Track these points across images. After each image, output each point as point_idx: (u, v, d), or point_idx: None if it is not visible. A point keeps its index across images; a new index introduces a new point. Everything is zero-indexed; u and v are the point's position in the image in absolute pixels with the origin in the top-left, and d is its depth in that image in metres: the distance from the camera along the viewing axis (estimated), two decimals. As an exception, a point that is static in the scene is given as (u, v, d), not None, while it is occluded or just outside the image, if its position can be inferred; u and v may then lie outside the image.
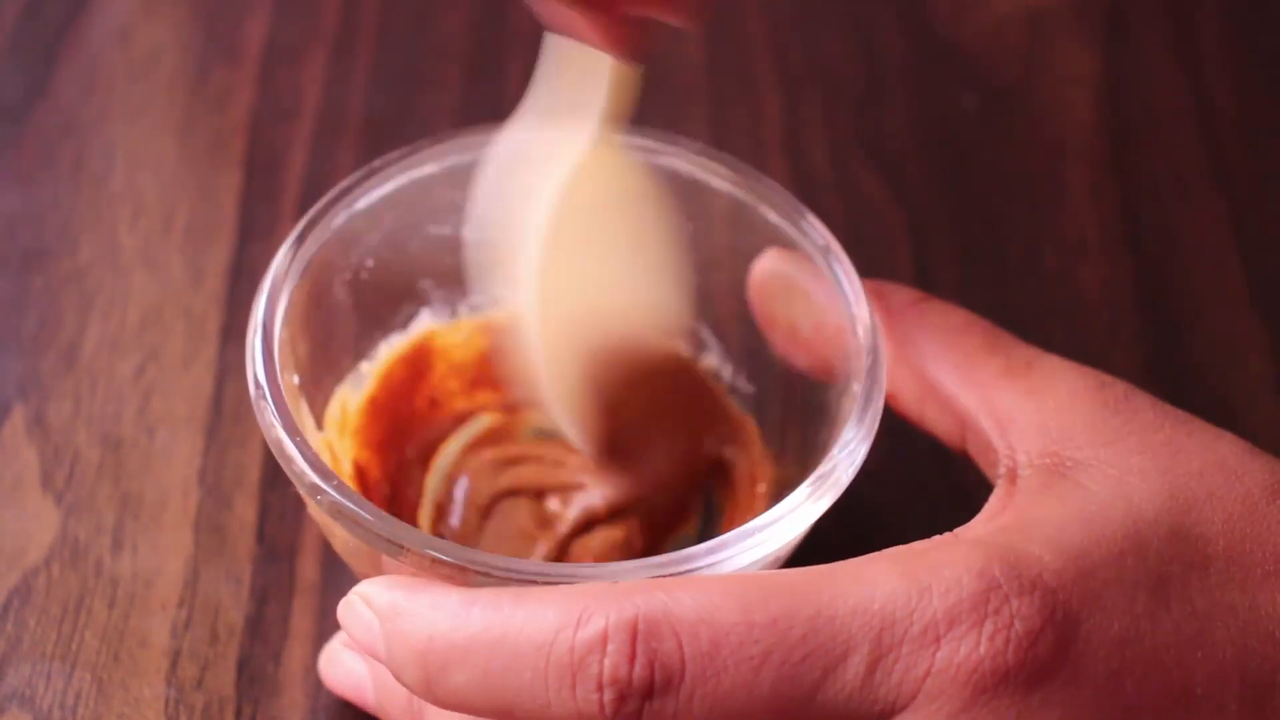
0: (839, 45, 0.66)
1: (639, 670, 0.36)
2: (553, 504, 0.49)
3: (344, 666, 0.46)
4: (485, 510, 0.49)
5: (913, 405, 0.45)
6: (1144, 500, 0.39)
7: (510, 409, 0.51)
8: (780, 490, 0.47)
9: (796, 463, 0.47)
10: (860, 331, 0.44)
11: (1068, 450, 0.41)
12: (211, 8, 0.66)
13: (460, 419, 0.51)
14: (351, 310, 0.48)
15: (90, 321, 0.56)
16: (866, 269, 0.46)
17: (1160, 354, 0.57)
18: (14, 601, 0.49)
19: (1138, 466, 0.40)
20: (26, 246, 0.58)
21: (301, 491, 0.41)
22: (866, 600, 0.37)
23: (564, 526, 0.48)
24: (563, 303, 0.45)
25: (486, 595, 0.37)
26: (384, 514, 0.40)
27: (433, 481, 0.50)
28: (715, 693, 0.36)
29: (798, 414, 0.48)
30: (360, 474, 0.48)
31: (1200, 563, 0.38)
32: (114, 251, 0.58)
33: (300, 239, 0.45)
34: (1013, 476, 0.41)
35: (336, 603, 0.40)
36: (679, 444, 0.49)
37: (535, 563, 0.39)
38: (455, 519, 0.49)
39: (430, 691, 0.37)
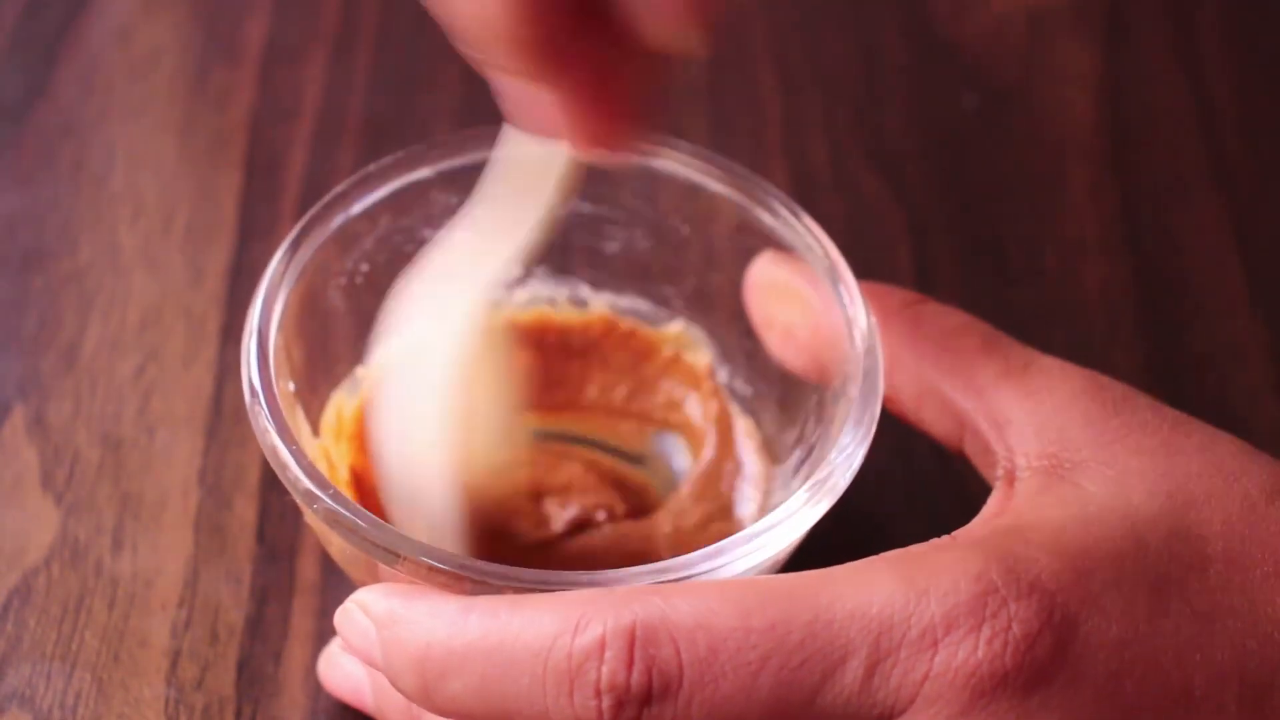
0: (839, 45, 0.66)
1: (637, 676, 0.36)
2: (550, 506, 0.49)
3: (343, 670, 0.46)
4: (484, 513, 0.49)
5: (910, 407, 0.45)
6: (1142, 501, 0.39)
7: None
8: (777, 493, 0.47)
9: (793, 466, 0.47)
10: (857, 334, 0.44)
11: (1066, 452, 0.41)
12: (211, 8, 0.66)
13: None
14: (347, 315, 0.48)
15: (90, 321, 0.56)
16: (866, 269, 0.46)
17: (1160, 354, 0.57)
18: (14, 601, 0.49)
19: (1136, 468, 0.40)
20: (26, 246, 0.58)
21: (297, 499, 0.41)
22: (864, 604, 0.37)
23: (558, 528, 0.48)
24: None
25: (483, 602, 0.37)
26: (380, 521, 0.40)
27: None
28: (713, 698, 0.36)
29: (795, 417, 0.48)
30: (357, 480, 0.48)
31: (1199, 564, 0.38)
32: (114, 251, 0.58)
33: (295, 244, 0.45)
34: (1011, 478, 0.41)
35: (336, 603, 0.40)
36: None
37: (532, 570, 0.39)
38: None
39: (428, 699, 0.38)
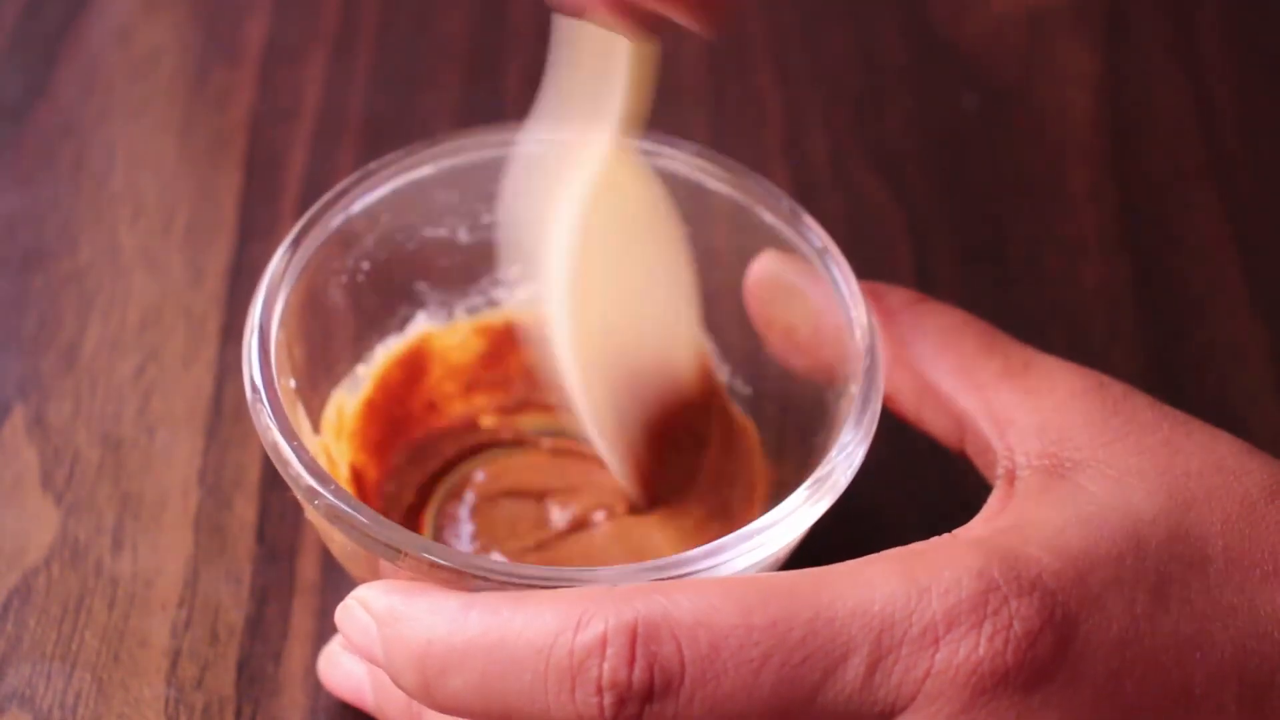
0: (839, 45, 0.66)
1: (638, 673, 0.36)
2: (554, 506, 0.49)
3: (343, 669, 0.46)
4: (486, 512, 0.49)
5: (911, 407, 0.45)
6: (1143, 501, 0.39)
7: (508, 411, 0.51)
8: (778, 492, 0.47)
9: (794, 465, 0.47)
10: (858, 333, 0.44)
11: (1066, 451, 0.41)
12: (211, 8, 0.66)
13: (457, 422, 0.51)
14: (348, 313, 0.48)
15: (90, 321, 0.56)
16: (866, 269, 0.46)
17: (1160, 354, 0.57)
18: (14, 601, 0.49)
19: (1136, 467, 0.40)
20: (26, 246, 0.58)
21: (298, 495, 0.41)
22: (866, 602, 0.37)
23: (560, 527, 0.48)
24: (594, 323, 0.45)
25: (484, 599, 0.37)
26: (381, 518, 0.40)
27: (442, 488, 0.50)
28: (715, 695, 0.36)
29: (795, 416, 0.48)
30: (357, 477, 0.48)
31: (1199, 563, 0.38)
32: (114, 251, 0.58)
33: (296, 242, 0.45)
34: (1011, 477, 0.41)
35: (337, 603, 0.40)
36: (689, 455, 0.49)
37: (533, 567, 0.39)
38: (456, 521, 0.49)
39: (429, 696, 0.38)
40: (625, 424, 0.46)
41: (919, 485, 0.52)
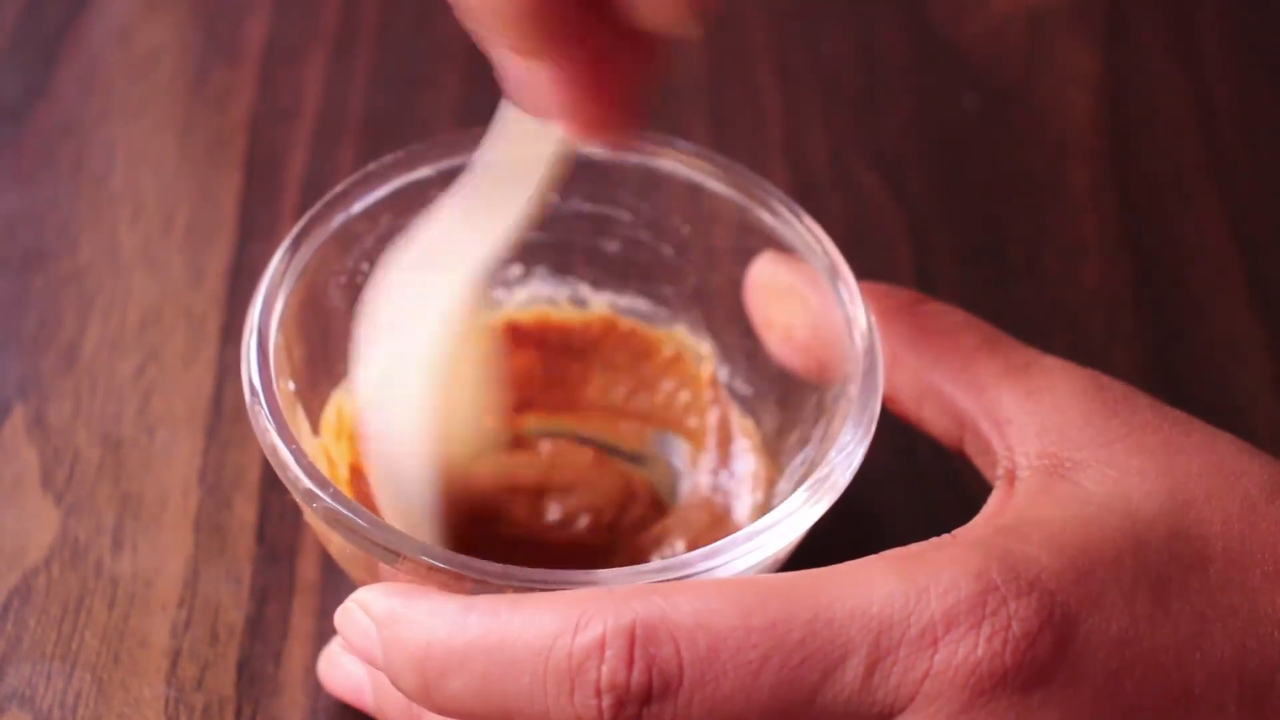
0: (839, 45, 0.66)
1: (637, 675, 0.36)
2: (551, 504, 0.49)
3: (343, 670, 0.46)
4: (484, 510, 0.49)
5: (911, 407, 0.45)
6: (1142, 501, 0.39)
7: (508, 411, 0.51)
8: (778, 492, 0.47)
9: (794, 465, 0.47)
10: (857, 334, 0.44)
11: (1066, 451, 0.41)
12: (211, 8, 0.66)
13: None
14: (348, 314, 0.48)
15: (90, 321, 0.56)
16: (866, 269, 0.46)
17: (1160, 354, 0.57)
18: (14, 601, 0.49)
19: (1136, 467, 0.40)
20: (26, 246, 0.58)
21: (297, 498, 0.41)
22: (864, 602, 0.37)
23: (558, 527, 0.48)
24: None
25: (484, 601, 0.37)
26: (380, 520, 0.40)
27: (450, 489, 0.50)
28: (714, 697, 0.36)
29: (795, 416, 0.48)
30: (356, 479, 0.48)
31: (1199, 563, 0.38)
32: (114, 251, 0.58)
33: (296, 243, 0.45)
34: (1011, 478, 0.41)
35: (336, 603, 0.40)
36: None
37: (532, 569, 0.39)
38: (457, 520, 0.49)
39: (428, 698, 0.38)
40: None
41: (919, 485, 0.52)
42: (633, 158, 0.48)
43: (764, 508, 0.48)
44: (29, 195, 0.59)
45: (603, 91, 0.39)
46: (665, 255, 0.50)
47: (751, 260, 0.47)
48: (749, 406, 0.50)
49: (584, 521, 0.49)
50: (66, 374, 0.54)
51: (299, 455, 0.41)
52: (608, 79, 0.39)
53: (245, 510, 0.51)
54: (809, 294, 0.46)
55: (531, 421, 0.51)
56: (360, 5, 0.66)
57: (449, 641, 0.37)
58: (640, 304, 0.51)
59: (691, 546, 0.47)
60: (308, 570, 0.50)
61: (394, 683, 0.38)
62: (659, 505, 0.49)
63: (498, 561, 0.39)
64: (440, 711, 0.38)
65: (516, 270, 0.51)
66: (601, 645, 0.36)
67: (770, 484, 0.49)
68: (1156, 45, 0.66)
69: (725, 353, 0.51)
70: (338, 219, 0.46)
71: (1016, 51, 0.66)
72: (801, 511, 0.41)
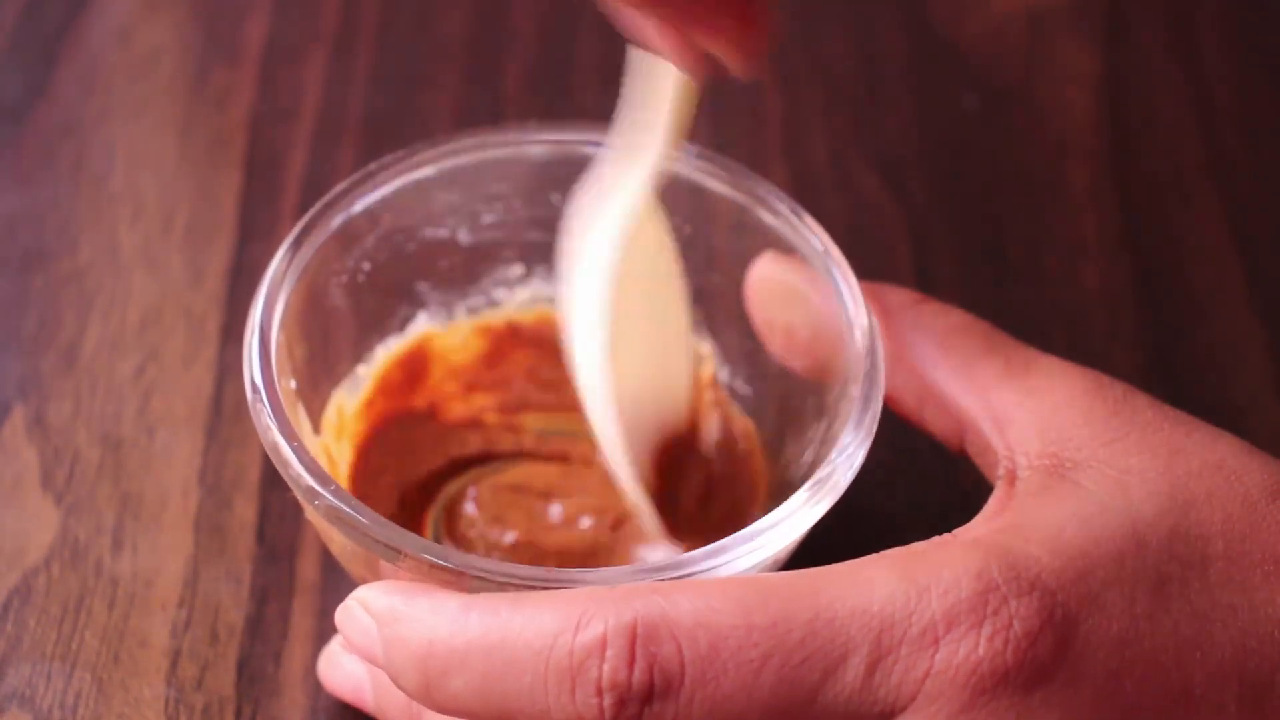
0: (839, 45, 0.66)
1: (638, 674, 0.36)
2: (555, 505, 0.49)
3: (343, 669, 0.46)
4: (489, 510, 0.49)
5: (911, 407, 0.45)
6: (1143, 500, 0.39)
7: (508, 411, 0.51)
8: (778, 493, 0.47)
9: (795, 465, 0.47)
10: (858, 334, 0.44)
11: (1067, 451, 0.41)
12: (211, 8, 0.66)
13: (458, 422, 0.51)
14: (348, 314, 0.48)
15: (90, 321, 0.56)
16: (866, 270, 0.46)
17: (1160, 354, 0.57)
18: (14, 601, 0.49)
19: (1137, 467, 0.40)
20: (26, 246, 0.58)
21: (299, 496, 0.41)
22: (865, 602, 0.37)
23: (561, 526, 0.48)
24: (620, 362, 0.45)
25: (485, 600, 0.37)
26: (381, 518, 0.40)
27: (450, 488, 0.50)
28: (715, 696, 0.36)
29: (796, 417, 0.48)
30: (357, 478, 0.48)
31: (1199, 563, 0.38)
32: (114, 251, 0.58)
33: (297, 242, 0.45)
34: (1012, 477, 0.41)
35: (337, 602, 0.40)
36: (693, 477, 0.50)
37: (533, 567, 0.39)
38: (458, 520, 0.49)
39: (429, 697, 0.38)
40: (639, 455, 0.47)
41: (919, 485, 0.52)
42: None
43: (764, 508, 0.48)
44: (29, 195, 0.59)
45: (706, 30, 0.41)
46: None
47: (752, 260, 0.47)
48: (749, 407, 0.50)
49: (586, 522, 0.49)
50: (66, 374, 0.54)
51: (301, 452, 0.41)
52: (706, 20, 0.41)
53: (245, 510, 0.51)
54: (810, 294, 0.46)
55: (531, 421, 0.51)
56: (360, 5, 0.66)
57: (450, 640, 0.37)
58: (640, 304, 0.51)
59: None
60: (308, 570, 0.50)
61: (395, 681, 0.38)
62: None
63: (497, 561, 0.39)
64: (441, 710, 0.38)
65: (517, 270, 0.51)
66: (603, 644, 0.36)
67: (771, 484, 0.49)
68: (1156, 45, 0.66)
69: (725, 353, 0.51)
70: (338, 218, 0.46)
71: (1016, 51, 0.66)
72: (803, 511, 0.41)
